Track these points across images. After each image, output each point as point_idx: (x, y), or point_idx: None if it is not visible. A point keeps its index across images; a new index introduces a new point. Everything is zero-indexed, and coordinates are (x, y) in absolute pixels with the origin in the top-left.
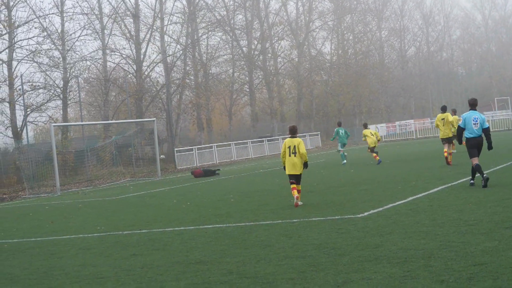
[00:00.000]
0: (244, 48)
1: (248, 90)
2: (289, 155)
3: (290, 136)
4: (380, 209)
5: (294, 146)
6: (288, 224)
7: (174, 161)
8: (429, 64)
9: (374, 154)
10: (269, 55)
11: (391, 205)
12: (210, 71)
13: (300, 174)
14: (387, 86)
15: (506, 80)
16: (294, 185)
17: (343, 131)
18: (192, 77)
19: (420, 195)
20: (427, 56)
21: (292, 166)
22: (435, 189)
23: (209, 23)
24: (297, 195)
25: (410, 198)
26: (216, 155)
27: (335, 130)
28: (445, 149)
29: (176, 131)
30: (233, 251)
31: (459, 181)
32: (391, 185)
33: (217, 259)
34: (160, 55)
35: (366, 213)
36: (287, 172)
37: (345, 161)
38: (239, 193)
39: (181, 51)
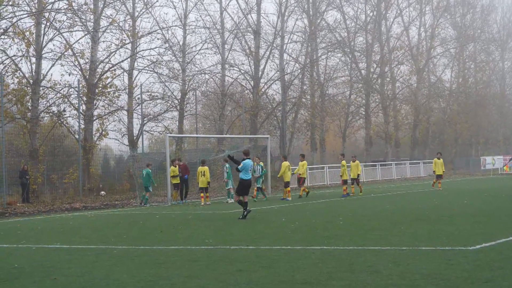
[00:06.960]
0: (362, 71)
1: (364, 113)
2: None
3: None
4: (493, 243)
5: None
6: (397, 251)
7: None
8: None
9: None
10: (388, 79)
11: (504, 239)
12: (327, 92)
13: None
14: (507, 117)
15: None
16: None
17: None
18: (308, 97)
19: None
20: None
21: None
22: None
23: (329, 44)
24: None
25: None
26: (327, 176)
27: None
28: None
29: (289, 149)
30: (339, 275)
31: None
32: (506, 218)
33: (323, 281)
34: (278, 72)
35: (478, 246)
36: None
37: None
38: (348, 216)
39: (299, 70)
